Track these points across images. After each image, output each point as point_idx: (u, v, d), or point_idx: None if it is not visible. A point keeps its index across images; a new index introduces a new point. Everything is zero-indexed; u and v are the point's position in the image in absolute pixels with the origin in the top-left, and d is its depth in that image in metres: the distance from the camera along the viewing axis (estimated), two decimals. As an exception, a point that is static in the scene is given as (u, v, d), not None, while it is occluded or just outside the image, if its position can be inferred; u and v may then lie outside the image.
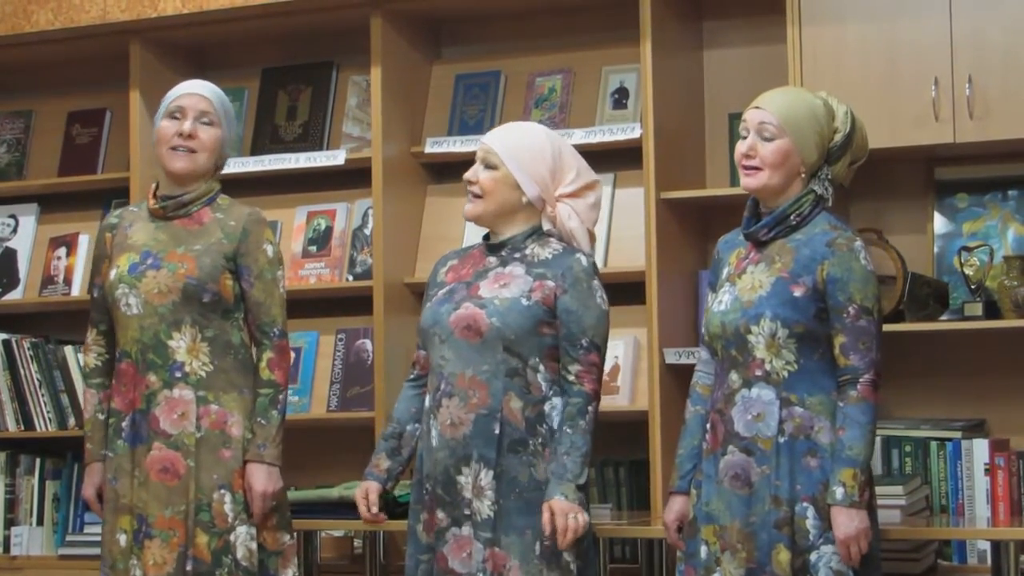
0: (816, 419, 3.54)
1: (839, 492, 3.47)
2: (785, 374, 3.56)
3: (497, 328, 3.71)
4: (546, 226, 3.85)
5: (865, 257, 3.58)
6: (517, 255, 3.83)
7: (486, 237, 3.91)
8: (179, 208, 3.98)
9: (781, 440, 3.54)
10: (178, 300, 3.89)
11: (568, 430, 3.71)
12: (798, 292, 3.57)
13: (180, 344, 3.90)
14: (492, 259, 3.86)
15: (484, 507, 3.69)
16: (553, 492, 3.66)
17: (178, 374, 3.89)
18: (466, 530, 3.70)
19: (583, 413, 3.72)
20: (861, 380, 3.52)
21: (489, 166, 3.82)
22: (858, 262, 3.56)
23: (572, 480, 3.66)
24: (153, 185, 4.06)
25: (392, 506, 4.13)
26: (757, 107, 3.67)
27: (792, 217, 3.63)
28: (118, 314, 3.95)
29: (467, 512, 3.70)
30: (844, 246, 3.57)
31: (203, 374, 3.90)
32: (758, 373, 3.58)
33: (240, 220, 3.98)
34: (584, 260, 3.79)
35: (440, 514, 3.73)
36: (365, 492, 3.91)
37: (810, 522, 3.50)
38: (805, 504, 3.51)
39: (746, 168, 3.65)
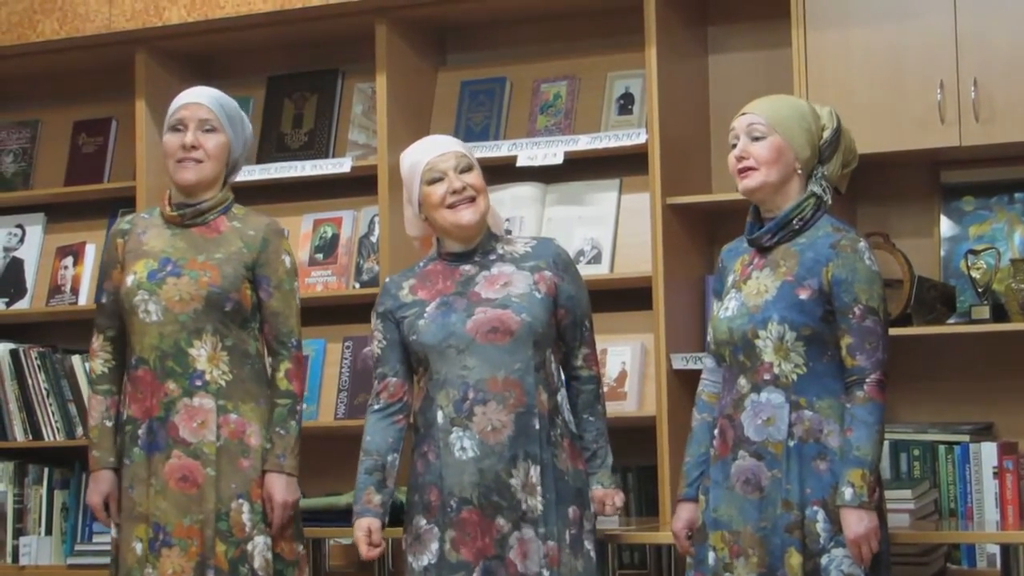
0: (825, 422, 3.54)
1: (848, 493, 3.47)
2: (794, 377, 3.56)
3: (528, 323, 3.74)
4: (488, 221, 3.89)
5: (870, 257, 3.58)
6: (493, 256, 3.86)
7: (440, 250, 3.88)
8: (197, 216, 3.99)
9: (791, 444, 3.54)
10: (200, 308, 3.90)
11: (590, 417, 3.88)
12: (804, 295, 3.57)
13: (201, 352, 3.90)
14: (467, 267, 3.85)
15: (536, 503, 3.71)
16: (592, 483, 3.84)
17: (198, 382, 3.89)
18: (527, 531, 3.70)
19: (598, 397, 3.90)
20: (867, 380, 3.52)
21: (467, 169, 3.84)
22: (862, 262, 3.56)
23: (607, 467, 3.87)
24: (167, 192, 4.06)
25: (397, 511, 4.12)
26: (743, 114, 3.70)
27: (795, 221, 3.64)
28: (135, 320, 3.94)
29: (524, 512, 3.70)
30: (848, 247, 3.57)
31: (223, 383, 3.90)
32: (767, 377, 3.58)
33: (259, 230, 3.99)
34: (560, 245, 3.92)
35: (500, 520, 3.70)
36: (367, 531, 3.81)
37: (820, 525, 3.51)
38: (815, 508, 3.51)
39: (741, 171, 3.66)
